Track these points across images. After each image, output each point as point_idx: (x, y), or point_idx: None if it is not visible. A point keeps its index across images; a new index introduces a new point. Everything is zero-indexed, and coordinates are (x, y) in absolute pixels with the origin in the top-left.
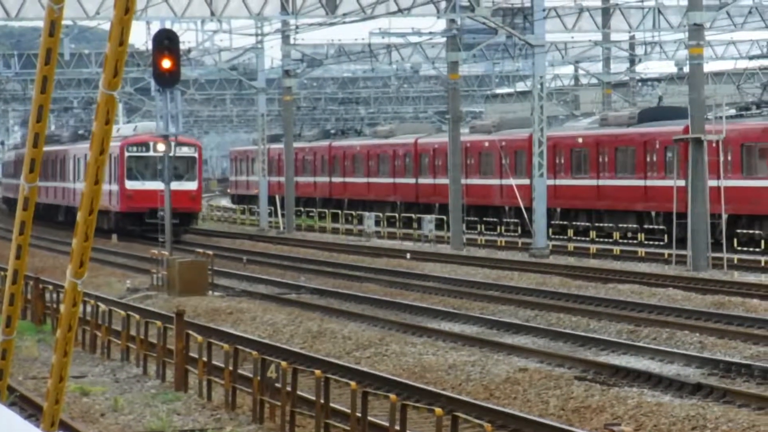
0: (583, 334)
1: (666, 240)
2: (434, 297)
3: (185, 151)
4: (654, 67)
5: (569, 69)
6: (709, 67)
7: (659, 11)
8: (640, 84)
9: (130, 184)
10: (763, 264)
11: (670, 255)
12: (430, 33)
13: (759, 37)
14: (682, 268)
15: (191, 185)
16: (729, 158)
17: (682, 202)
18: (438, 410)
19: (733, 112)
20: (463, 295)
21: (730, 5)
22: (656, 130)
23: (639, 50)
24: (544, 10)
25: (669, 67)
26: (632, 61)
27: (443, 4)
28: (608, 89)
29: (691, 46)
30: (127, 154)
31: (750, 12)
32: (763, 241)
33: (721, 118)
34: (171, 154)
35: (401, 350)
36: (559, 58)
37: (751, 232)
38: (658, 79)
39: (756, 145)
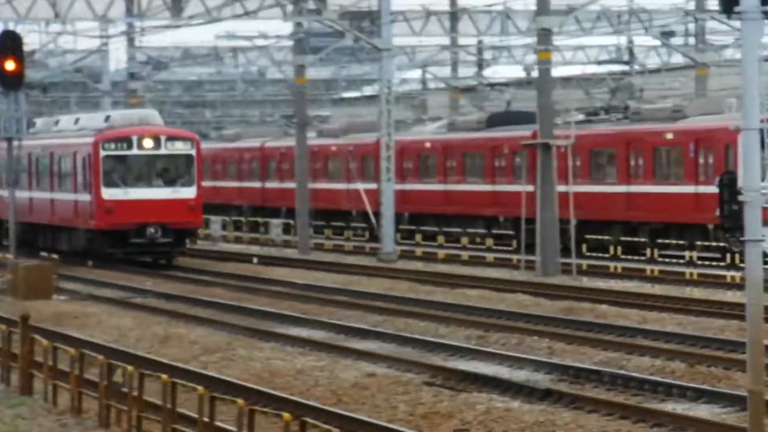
0: (431, 339)
1: (515, 245)
2: (282, 302)
3: (179, 147)
4: (502, 71)
5: (417, 73)
6: (557, 71)
7: (507, 16)
8: (488, 88)
9: (108, 193)
10: (611, 270)
11: (518, 260)
12: (277, 36)
13: (607, 42)
14: (531, 273)
15: (188, 192)
16: (578, 163)
17: (531, 208)
18: (286, 415)
19: (581, 117)
20: (312, 300)
21: (578, 10)
22: (504, 135)
23: (487, 55)
24: (391, 14)
25: (517, 72)
26: (480, 65)
27: (290, 8)
28: (456, 94)
29: (540, 51)
30: (103, 153)
31: (598, 17)
32: (611, 247)
33: (569, 123)
34: (160, 151)
35: (249, 355)
36: (406, 62)
37: (600, 237)
38: (507, 84)
39: (604, 150)
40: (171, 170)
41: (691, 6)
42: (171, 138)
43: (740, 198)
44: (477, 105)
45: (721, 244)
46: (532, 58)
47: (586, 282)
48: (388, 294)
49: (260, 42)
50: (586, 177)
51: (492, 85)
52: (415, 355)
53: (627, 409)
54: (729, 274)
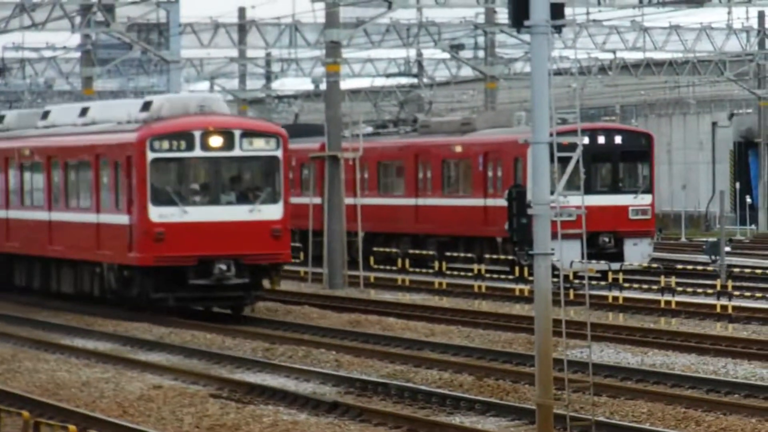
0: (218, 351)
1: (302, 257)
2: (67, 314)
3: (259, 146)
4: (290, 84)
5: (205, 85)
6: (346, 84)
7: (296, 28)
8: (276, 101)
9: (158, 213)
10: (399, 282)
11: (306, 273)
12: (65, 47)
13: (397, 55)
14: (319, 286)
15: (271, 211)
16: (366, 176)
17: (318, 220)
18: (72, 427)
19: (370, 129)
20: (96, 313)
21: (367, 23)
22: (293, 147)
23: (275, 67)
24: (179, 26)
25: (306, 84)
26: (268, 77)
27: (78, 19)
28: (244, 106)
29: (328, 64)
30: (151, 155)
31: (388, 30)
32: (399, 260)
33: (357, 135)
34: (233, 153)
35: (34, 367)
36: (194, 75)
37: (387, 250)
38: (295, 96)
39: (393, 163)
40: (248, 180)
41: (481, 20)
42: (249, 133)
43: (529, 211)
44: (264, 117)
45: (510, 257)
46: (320, 70)
47: (374, 294)
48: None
49: (48, 53)
50: (374, 189)
51: (280, 98)
52: (202, 367)
53: (414, 422)
54: (517, 287)
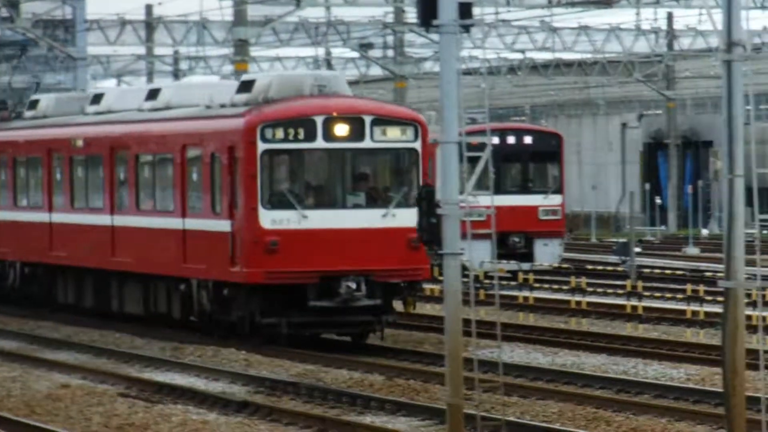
0: (126, 350)
1: None
2: None
3: (394, 137)
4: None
5: (112, 82)
6: None
7: (204, 26)
8: None
9: (271, 219)
10: None
11: None
12: None
13: (305, 54)
14: None
15: (408, 217)
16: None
17: None
18: None
19: None
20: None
21: (275, 21)
22: None
23: (183, 65)
24: (86, 23)
25: None
26: (176, 75)
27: None
28: None
29: (236, 62)
30: (262, 146)
31: (296, 28)
32: None
33: None
34: (363, 144)
35: None
36: (101, 72)
37: None
38: None
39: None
40: (380, 178)
41: (390, 19)
42: (382, 120)
43: (438, 211)
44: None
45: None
46: (229, 68)
47: None
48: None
49: None
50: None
51: None
52: (110, 366)
53: (325, 421)
54: (428, 287)
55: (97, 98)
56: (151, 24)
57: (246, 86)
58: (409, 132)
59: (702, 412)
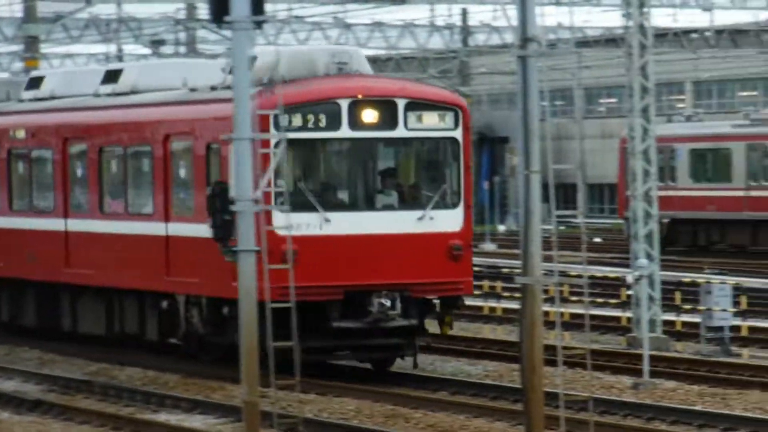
0: None
1: None
2: None
3: (432, 123)
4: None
5: None
6: None
7: None
8: None
9: (287, 222)
10: None
11: None
12: None
13: (96, 51)
14: None
15: (448, 219)
16: None
17: None
18: None
19: None
20: None
21: (66, 18)
22: None
23: None
24: None
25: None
26: None
27: None
28: None
29: (27, 59)
30: (277, 135)
31: (87, 25)
32: None
33: None
34: (395, 133)
35: None
36: None
37: None
38: None
39: None
40: (416, 174)
41: (182, 15)
42: (417, 104)
43: (232, 207)
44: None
45: None
46: (19, 65)
47: None
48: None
49: None
50: None
51: None
52: None
53: (119, 419)
54: None
55: (34, 82)
56: None
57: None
58: (449, 118)
59: (500, 408)
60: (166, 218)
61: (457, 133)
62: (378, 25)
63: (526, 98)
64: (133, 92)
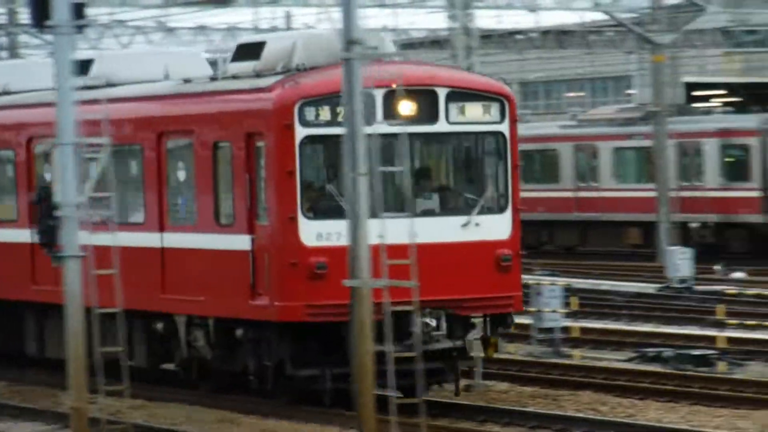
0: None
1: None
2: None
3: (476, 115)
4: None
5: None
6: None
7: None
8: None
9: (316, 231)
10: None
11: None
12: None
13: None
14: None
15: (497, 226)
16: None
17: None
18: None
19: None
20: None
21: None
22: None
23: None
24: None
25: None
26: None
27: None
28: None
29: None
30: (302, 131)
31: None
32: None
33: None
34: (435, 127)
35: None
36: None
37: None
38: None
39: None
40: (459, 174)
41: (3, 20)
42: (460, 93)
43: (57, 213)
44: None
45: None
46: None
47: None
48: None
49: None
50: None
51: None
52: None
53: None
54: None
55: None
56: None
57: (249, 51)
58: (494, 110)
59: (333, 413)
60: (161, 227)
61: (504, 127)
62: (201, 28)
63: (351, 100)
64: (109, 85)
